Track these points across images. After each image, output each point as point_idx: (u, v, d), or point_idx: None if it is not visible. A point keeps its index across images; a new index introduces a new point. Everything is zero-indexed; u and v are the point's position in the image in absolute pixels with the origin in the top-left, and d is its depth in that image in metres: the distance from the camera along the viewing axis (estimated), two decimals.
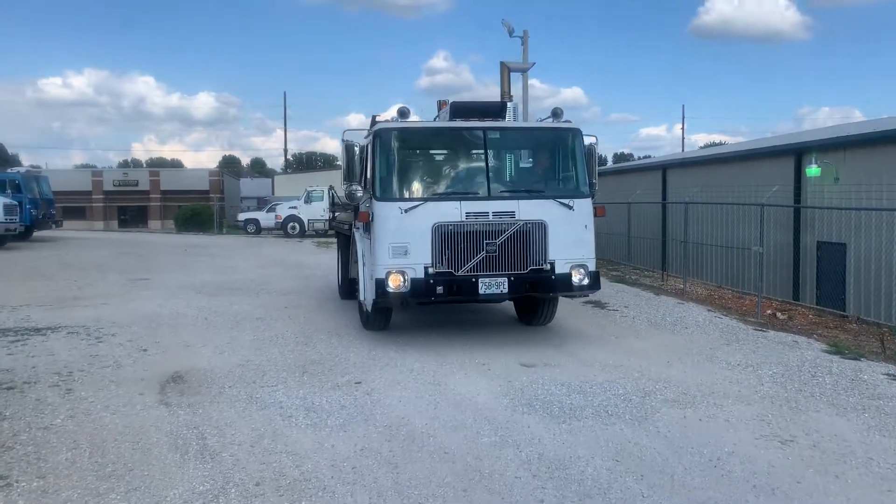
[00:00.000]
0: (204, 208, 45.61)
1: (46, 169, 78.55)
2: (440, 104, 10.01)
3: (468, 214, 8.47)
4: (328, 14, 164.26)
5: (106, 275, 16.52)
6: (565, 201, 8.80)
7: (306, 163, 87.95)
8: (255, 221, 39.21)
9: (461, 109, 9.48)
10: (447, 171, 9.67)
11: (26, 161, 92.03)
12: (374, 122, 9.40)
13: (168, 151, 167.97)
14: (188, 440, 5.30)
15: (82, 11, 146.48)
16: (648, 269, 18.66)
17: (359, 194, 9.15)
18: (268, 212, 38.61)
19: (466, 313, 11.00)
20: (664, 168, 23.41)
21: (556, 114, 9.34)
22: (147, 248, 27.04)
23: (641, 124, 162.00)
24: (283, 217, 36.03)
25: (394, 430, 5.58)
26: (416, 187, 9.23)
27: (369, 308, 9.10)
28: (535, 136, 9.75)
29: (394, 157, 9.03)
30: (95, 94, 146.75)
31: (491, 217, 8.51)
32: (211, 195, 51.60)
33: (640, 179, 24.56)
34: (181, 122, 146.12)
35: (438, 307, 11.35)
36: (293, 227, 35.55)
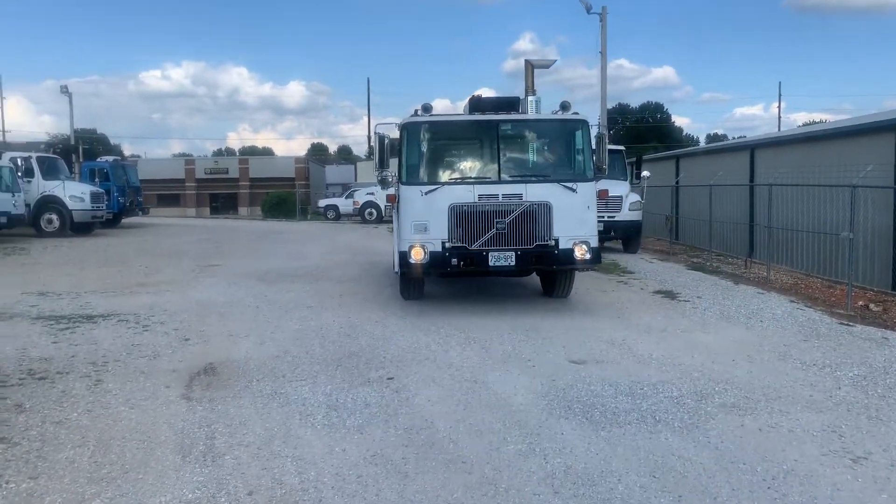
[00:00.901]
0: (289, 195, 46.34)
1: (144, 158, 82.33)
2: (473, 101, 10.68)
3: (480, 196, 9.60)
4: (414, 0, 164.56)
5: (179, 261, 16.76)
6: (569, 184, 9.77)
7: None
8: (335, 207, 39.58)
9: (480, 104, 10.45)
10: (464, 158, 10.79)
11: (128, 151, 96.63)
12: (425, 110, 10.26)
13: (260, 140, 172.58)
14: (196, 440, 5.03)
15: (180, 6, 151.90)
16: (732, 256, 17.54)
17: (389, 179, 10.46)
18: (346, 198, 38.89)
19: (519, 303, 10.48)
20: (752, 148, 21.94)
21: (564, 107, 10.21)
22: (228, 234, 27.58)
23: (736, 104, 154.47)
24: (361, 203, 36.22)
25: (413, 433, 5.15)
26: (436, 173, 10.30)
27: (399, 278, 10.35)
28: (544, 126, 10.75)
29: (417, 147, 10.21)
30: (193, 86, 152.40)
31: (501, 198, 9.59)
32: (296, 182, 52.36)
33: (726, 161, 23.22)
34: (273, 111, 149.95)
35: (489, 295, 10.94)
36: (370, 213, 35.68)
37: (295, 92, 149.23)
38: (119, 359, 7.32)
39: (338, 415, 5.56)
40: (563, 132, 10.49)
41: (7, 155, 24.58)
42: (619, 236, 18.56)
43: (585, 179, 9.94)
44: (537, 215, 9.55)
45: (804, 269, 15.37)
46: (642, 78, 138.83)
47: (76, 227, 25.32)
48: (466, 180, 10.04)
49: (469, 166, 10.59)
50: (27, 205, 24.30)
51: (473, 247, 9.50)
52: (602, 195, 10.67)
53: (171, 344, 8.03)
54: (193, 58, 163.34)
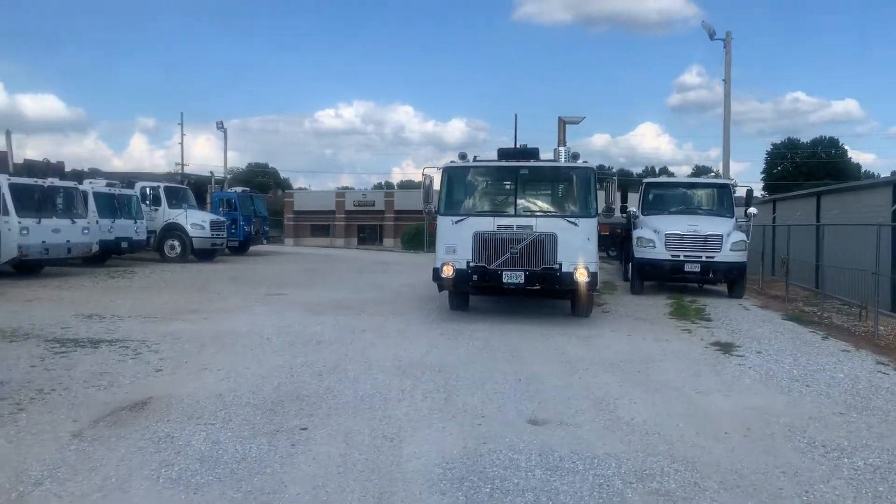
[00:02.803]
0: (421, 228, 46.72)
1: (309, 191, 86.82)
2: (501, 151, 12.92)
3: (499, 226, 11.65)
4: (573, 34, 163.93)
5: (254, 289, 16.96)
6: (572, 220, 11.71)
7: None
8: None
9: (505, 152, 12.86)
10: (489, 195, 12.96)
11: (301, 184, 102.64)
12: (461, 157, 12.58)
13: (419, 175, 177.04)
14: (23, 482, 4.61)
15: (354, 52, 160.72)
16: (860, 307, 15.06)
17: (431, 211, 12.47)
18: None
19: (541, 345, 9.47)
20: (894, 185, 19.29)
21: (574, 156, 12.34)
22: (336, 264, 27.98)
23: None
24: None
25: (252, 498, 4.45)
26: (465, 206, 12.41)
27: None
28: (555, 172, 12.70)
29: (452, 186, 12.45)
30: (362, 124, 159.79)
31: (515, 228, 11.64)
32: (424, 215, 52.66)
33: (870, 198, 20.52)
34: (435, 147, 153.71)
35: (511, 332, 10.04)
36: None
37: (455, 128, 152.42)
38: (70, 387, 7.14)
39: (198, 468, 4.95)
40: (571, 177, 12.47)
41: (139, 185, 26.36)
42: (719, 279, 16.77)
43: (587, 216, 11.78)
44: (545, 243, 11.43)
45: None
46: (820, 112, 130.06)
47: (197, 254, 26.66)
48: (488, 213, 12.20)
49: (492, 202, 12.79)
50: (153, 231, 25.91)
51: (491, 266, 11.48)
52: (603, 229, 13.45)
53: (139, 374, 7.79)
54: (364, 98, 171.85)
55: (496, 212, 12.17)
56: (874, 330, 11.72)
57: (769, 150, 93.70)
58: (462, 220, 11.81)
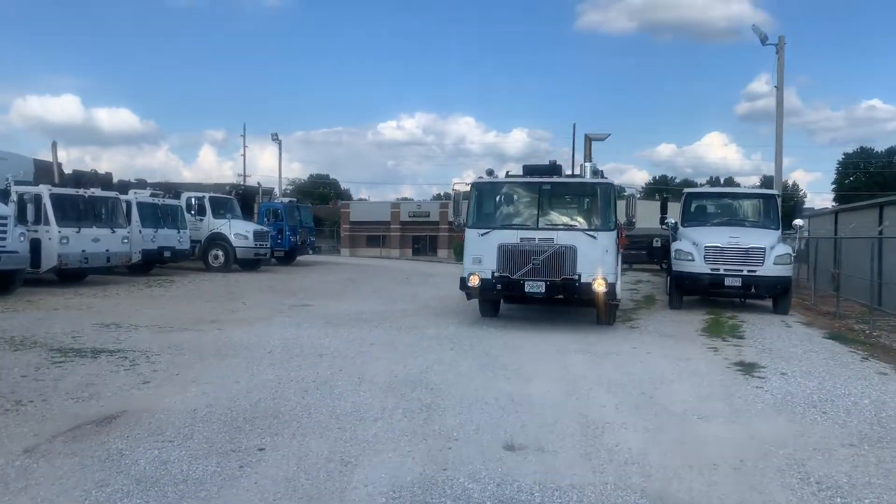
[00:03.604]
0: None
1: (365, 201, 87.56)
2: (525, 167, 13.55)
3: (522, 239, 12.21)
4: (638, 43, 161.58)
5: (284, 299, 16.92)
6: (591, 233, 12.20)
7: None
8: None
9: (531, 169, 13.39)
10: (513, 209, 13.29)
11: (363, 195, 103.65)
12: (489, 173, 13.50)
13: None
14: None
15: (416, 66, 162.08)
16: None
17: (460, 224, 13.11)
18: None
19: (546, 364, 9.01)
20: None
21: (594, 171, 13.12)
22: (377, 275, 27.87)
23: None
24: None
25: None
26: (491, 219, 12.95)
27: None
28: (576, 187, 13.31)
29: (479, 200, 13.06)
30: (423, 135, 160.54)
31: (537, 241, 12.15)
32: None
33: None
34: (496, 158, 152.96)
35: (521, 349, 9.64)
36: None
37: (517, 139, 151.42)
38: (49, 399, 7.04)
39: (133, 489, 4.72)
40: (591, 192, 12.87)
41: (185, 195, 26.82)
42: (763, 294, 15.93)
43: (606, 230, 12.28)
44: (565, 255, 11.90)
45: None
46: None
47: (241, 263, 26.93)
48: (512, 226, 12.64)
49: (516, 215, 13.08)
50: (198, 241, 26.29)
51: (514, 276, 12.02)
52: (622, 242, 13.11)
53: (124, 386, 7.66)
54: (426, 109, 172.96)
55: (520, 225, 12.66)
56: None
57: (840, 159, 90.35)
58: (488, 232, 12.44)
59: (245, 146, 64.16)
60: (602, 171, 13.31)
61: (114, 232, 19.81)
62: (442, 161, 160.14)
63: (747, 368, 9.19)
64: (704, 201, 18.36)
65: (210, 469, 5.13)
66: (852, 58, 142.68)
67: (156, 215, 23.50)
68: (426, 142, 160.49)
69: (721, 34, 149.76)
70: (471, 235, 12.66)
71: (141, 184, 27.03)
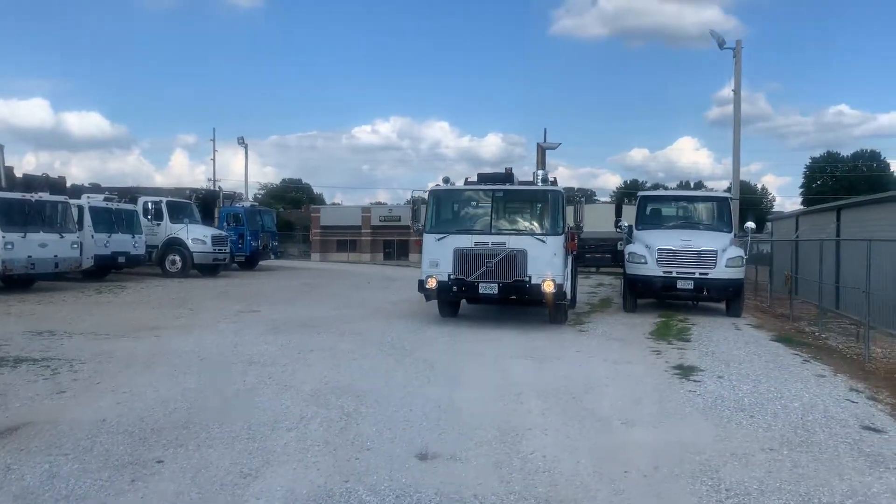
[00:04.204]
0: None
1: (336, 206, 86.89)
2: (480, 175, 14.18)
3: (476, 243, 12.78)
4: (610, 48, 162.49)
5: (231, 305, 16.57)
6: (540, 237, 12.87)
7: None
8: None
9: (485, 177, 14.01)
10: (468, 215, 13.91)
11: (337, 199, 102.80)
12: (445, 181, 14.07)
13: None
14: None
15: (391, 66, 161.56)
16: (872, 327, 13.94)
17: (419, 229, 13.57)
18: None
19: (491, 365, 8.84)
20: None
21: (544, 179, 13.68)
22: (338, 280, 27.58)
23: None
24: None
25: None
26: (447, 225, 13.46)
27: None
28: (527, 194, 13.92)
29: (437, 207, 13.62)
30: (398, 139, 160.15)
31: (490, 245, 12.75)
32: None
33: (882, 211, 19.38)
34: (471, 163, 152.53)
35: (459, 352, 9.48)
36: None
37: (492, 143, 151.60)
38: None
39: None
40: (541, 199, 13.51)
41: (142, 199, 26.35)
42: (714, 297, 15.93)
43: (555, 234, 12.90)
44: (516, 258, 12.52)
45: None
46: (865, 125, 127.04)
47: (201, 269, 26.49)
48: (467, 231, 13.16)
49: (471, 221, 13.64)
50: (155, 246, 25.83)
51: (469, 279, 12.65)
52: (572, 246, 13.62)
53: (36, 396, 7.35)
54: (401, 113, 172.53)
55: (474, 230, 13.18)
56: (865, 352, 10.90)
57: (808, 164, 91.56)
58: (444, 237, 12.99)
59: (215, 150, 63.71)
60: (555, 179, 14.00)
61: (62, 237, 19.35)
62: (417, 165, 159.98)
63: (685, 372, 9.10)
64: (659, 204, 18.35)
65: (98, 484, 4.88)
66: (820, 64, 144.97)
67: (110, 220, 23.03)
68: (401, 146, 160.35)
69: (692, 40, 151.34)
70: (428, 240, 13.19)
71: (95, 188, 26.52)
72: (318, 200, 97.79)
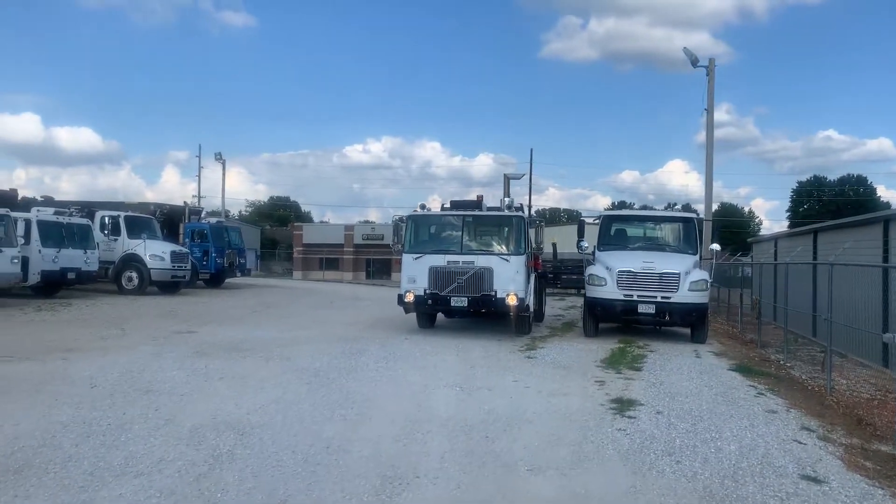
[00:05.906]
0: None
1: (318, 224, 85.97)
2: (452, 202, 15.76)
3: (448, 262, 14.41)
4: (600, 71, 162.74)
5: (170, 325, 15.66)
6: (505, 257, 14.53)
7: (549, 219, 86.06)
8: None
9: (457, 203, 15.58)
10: (442, 237, 15.47)
11: (327, 217, 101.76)
12: (422, 207, 15.98)
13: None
14: None
15: (383, 87, 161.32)
16: (841, 354, 13.11)
17: (399, 250, 15.23)
18: None
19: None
20: (886, 221, 17.32)
21: (509, 206, 15.53)
22: (302, 299, 26.68)
23: None
24: None
25: None
26: (423, 246, 15.05)
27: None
28: (493, 219, 15.50)
29: (415, 229, 15.30)
30: (390, 159, 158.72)
31: (461, 263, 14.38)
32: None
33: (860, 235, 18.65)
34: (462, 182, 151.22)
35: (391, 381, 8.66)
36: None
37: (483, 163, 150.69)
38: None
39: None
40: (506, 223, 15.26)
41: (99, 214, 25.44)
42: (677, 321, 15.11)
43: (518, 254, 14.61)
44: (483, 275, 14.20)
45: None
46: (853, 150, 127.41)
47: (160, 286, 25.57)
48: (441, 251, 14.77)
49: (444, 242, 15.20)
50: (111, 262, 24.91)
51: (442, 293, 14.25)
52: (537, 266, 16.50)
53: None
54: (392, 133, 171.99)
55: (447, 250, 14.78)
56: (827, 384, 10.13)
57: (795, 188, 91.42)
58: (420, 256, 14.63)
59: (200, 167, 62.82)
60: (521, 205, 15.99)
61: (1, 251, 18.42)
62: (408, 185, 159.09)
63: (623, 406, 8.28)
64: (623, 224, 17.53)
65: None
66: (809, 89, 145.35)
67: (60, 235, 22.07)
68: (392, 165, 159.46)
69: (681, 64, 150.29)
70: (407, 259, 14.87)
71: (48, 201, 25.61)
72: (305, 218, 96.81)
